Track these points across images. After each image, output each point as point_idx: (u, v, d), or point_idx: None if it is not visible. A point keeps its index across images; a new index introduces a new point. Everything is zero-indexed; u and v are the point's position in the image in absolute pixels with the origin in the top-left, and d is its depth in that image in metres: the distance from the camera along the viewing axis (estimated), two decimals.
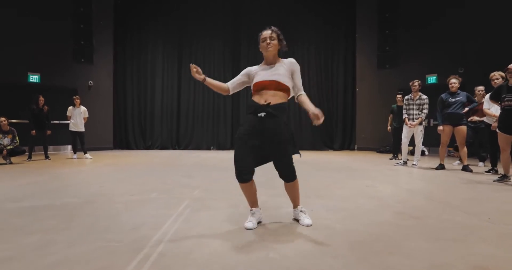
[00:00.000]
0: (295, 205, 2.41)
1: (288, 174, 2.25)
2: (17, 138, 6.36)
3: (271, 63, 2.29)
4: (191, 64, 2.28)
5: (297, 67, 2.30)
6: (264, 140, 2.17)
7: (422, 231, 2.18)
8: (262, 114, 2.15)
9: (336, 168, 5.84)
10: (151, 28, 10.93)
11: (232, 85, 2.38)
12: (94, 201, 3.04)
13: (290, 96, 2.33)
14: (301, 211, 2.38)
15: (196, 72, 2.27)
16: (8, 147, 6.20)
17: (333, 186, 3.89)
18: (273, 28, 2.27)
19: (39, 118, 6.96)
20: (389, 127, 7.68)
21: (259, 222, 2.33)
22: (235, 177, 2.21)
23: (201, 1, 10.98)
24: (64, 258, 1.69)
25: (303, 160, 7.22)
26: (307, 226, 2.26)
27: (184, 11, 10.95)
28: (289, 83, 2.24)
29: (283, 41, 2.30)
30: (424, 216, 2.54)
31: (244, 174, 2.17)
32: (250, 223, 2.24)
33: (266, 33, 2.24)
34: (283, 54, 2.38)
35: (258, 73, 2.29)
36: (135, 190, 3.60)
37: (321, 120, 2.04)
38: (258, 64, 2.38)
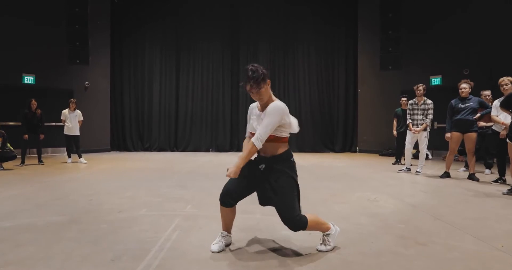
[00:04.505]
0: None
1: (292, 226, 2.02)
2: (7, 142, 6.15)
3: (264, 107, 2.08)
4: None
5: (269, 112, 1.98)
6: (262, 186, 2.09)
7: (426, 263, 1.99)
8: (262, 166, 2.09)
9: (336, 175, 5.66)
10: (149, 29, 10.72)
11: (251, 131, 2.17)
12: (79, 220, 2.88)
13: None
14: (322, 237, 2.23)
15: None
16: None
17: (332, 200, 3.71)
18: (250, 75, 1.96)
19: (32, 122, 6.80)
20: (395, 132, 7.43)
21: (227, 245, 2.24)
22: None
23: (199, 3, 10.75)
24: None
25: (301, 165, 7.03)
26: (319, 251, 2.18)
27: (182, 13, 10.73)
28: (277, 131, 2.02)
29: (266, 78, 2.00)
30: (430, 242, 2.36)
31: (228, 198, 2.12)
32: (216, 245, 2.17)
33: (247, 87, 1.99)
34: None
35: (252, 118, 2.15)
36: (124, 204, 3.44)
37: (229, 173, 1.94)
38: None
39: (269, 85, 2.07)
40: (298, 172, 2.16)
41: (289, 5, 10.80)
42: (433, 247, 2.26)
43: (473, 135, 5.06)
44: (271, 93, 2.10)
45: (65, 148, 8.86)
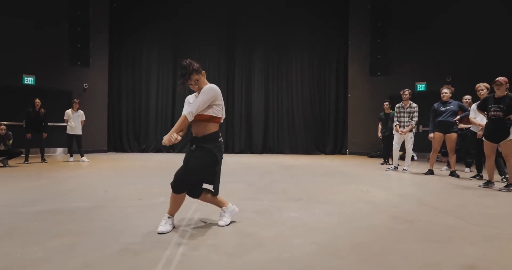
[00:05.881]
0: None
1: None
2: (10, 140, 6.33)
3: (199, 91, 2.44)
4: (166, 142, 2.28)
5: (203, 91, 2.35)
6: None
7: (415, 234, 2.39)
8: (193, 147, 2.38)
9: (330, 172, 6.06)
10: (147, 32, 11.02)
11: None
12: (103, 206, 3.15)
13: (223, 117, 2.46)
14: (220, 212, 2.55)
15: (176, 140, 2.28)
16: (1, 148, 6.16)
17: (329, 191, 4.10)
18: (181, 73, 2.36)
19: (36, 121, 6.98)
20: (379, 134, 7.95)
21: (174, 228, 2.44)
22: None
23: (198, 7, 11.13)
24: (92, 261, 1.83)
25: (294, 165, 7.42)
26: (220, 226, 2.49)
27: (181, 16, 11.07)
28: (208, 111, 2.35)
29: (199, 71, 2.38)
30: (416, 220, 2.76)
31: (172, 186, 2.37)
32: (162, 227, 2.33)
33: (181, 81, 2.42)
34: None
35: (188, 103, 2.46)
36: (142, 194, 3.73)
37: (164, 141, 2.26)
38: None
39: (204, 76, 2.46)
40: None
41: (283, 12, 11.27)
42: (420, 224, 2.66)
43: (454, 135, 5.57)
44: (207, 82, 2.46)
45: (62, 149, 9.04)
